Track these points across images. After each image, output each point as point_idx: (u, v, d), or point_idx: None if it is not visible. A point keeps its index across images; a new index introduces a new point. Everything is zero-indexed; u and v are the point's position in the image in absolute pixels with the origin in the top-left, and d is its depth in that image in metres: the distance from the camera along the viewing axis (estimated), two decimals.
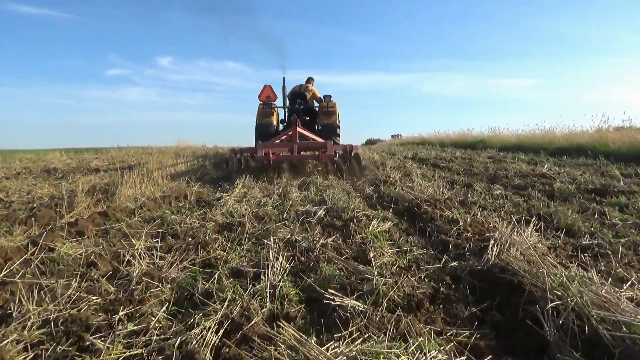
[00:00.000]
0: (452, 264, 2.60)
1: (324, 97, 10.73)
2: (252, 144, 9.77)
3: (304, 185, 6.40)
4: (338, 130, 10.46)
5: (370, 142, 48.54)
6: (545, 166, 8.21)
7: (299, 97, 10.89)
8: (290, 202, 4.79)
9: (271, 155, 7.79)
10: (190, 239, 3.37)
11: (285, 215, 4.21)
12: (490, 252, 2.60)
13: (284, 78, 10.85)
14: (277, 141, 8.75)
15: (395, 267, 2.57)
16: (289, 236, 3.29)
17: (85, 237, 3.42)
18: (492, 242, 2.77)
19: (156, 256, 2.78)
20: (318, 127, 10.79)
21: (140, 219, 4.13)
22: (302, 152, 8.65)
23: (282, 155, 8.15)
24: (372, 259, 2.59)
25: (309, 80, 11.52)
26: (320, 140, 8.95)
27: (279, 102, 10.61)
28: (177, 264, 2.64)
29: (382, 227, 3.53)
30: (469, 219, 3.62)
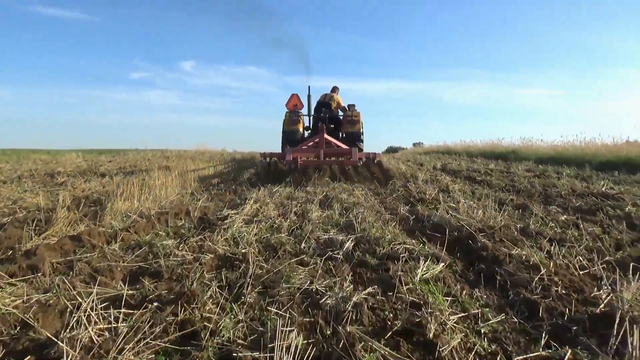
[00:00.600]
0: (565, 356, 1.66)
1: (348, 106, 11.02)
2: (276, 149, 10.12)
3: (327, 201, 5.52)
4: (361, 138, 10.79)
5: (391, 150, 47.34)
6: (602, 184, 7.14)
7: (325, 106, 11.23)
8: (310, 226, 3.91)
9: (299, 160, 8.24)
10: (174, 282, 2.51)
11: (303, 245, 3.32)
12: (634, 339, 1.65)
13: (309, 87, 11.35)
14: (305, 147, 9.30)
15: (472, 357, 1.65)
16: (307, 284, 2.40)
17: (39, 274, 2.59)
18: (622, 315, 1.83)
19: (115, 318, 1.92)
20: (342, 135, 11.07)
21: (120, 247, 3.29)
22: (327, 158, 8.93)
23: (309, 160, 8.57)
24: (435, 342, 1.68)
25: (334, 89, 11.80)
26: (345, 147, 9.45)
27: (304, 110, 11.02)
28: (142, 334, 1.77)
29: (433, 270, 2.61)
30: (551, 264, 2.68)
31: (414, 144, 49.08)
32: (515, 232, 3.79)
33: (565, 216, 4.49)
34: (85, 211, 4.71)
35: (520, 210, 4.88)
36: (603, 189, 6.49)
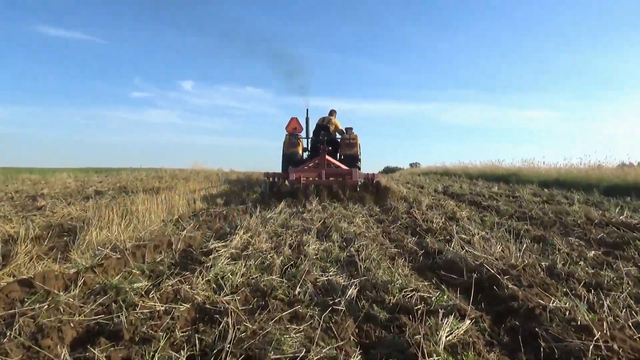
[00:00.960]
0: None
1: (345, 129, 11.58)
2: (273, 168, 10.84)
3: (325, 230, 5.02)
4: (359, 160, 11.21)
5: (388, 170, 46.88)
6: (620, 212, 6.67)
7: (323, 129, 11.62)
8: (306, 264, 3.41)
9: (302, 179, 8.68)
10: (135, 347, 1.99)
11: (297, 290, 2.81)
12: None
13: (307, 110, 11.89)
14: (307, 167, 9.68)
15: None
16: (302, 353, 1.89)
17: None
18: None
19: None
20: (340, 157, 11.48)
21: (81, 292, 2.77)
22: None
23: (312, 180, 8.89)
24: None
25: (332, 112, 12.19)
26: (345, 167, 9.90)
27: (302, 132, 11.67)
28: None
29: (458, 330, 2.11)
30: (604, 325, 2.18)
31: (411, 165, 48.73)
32: (542, 273, 3.31)
33: (592, 252, 4.01)
34: (54, 242, 4.20)
35: (541, 244, 4.39)
36: (622, 218, 6.03)
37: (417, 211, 6.79)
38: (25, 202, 8.36)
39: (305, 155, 11.83)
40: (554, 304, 2.44)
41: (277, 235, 4.80)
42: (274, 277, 3.09)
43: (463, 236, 4.57)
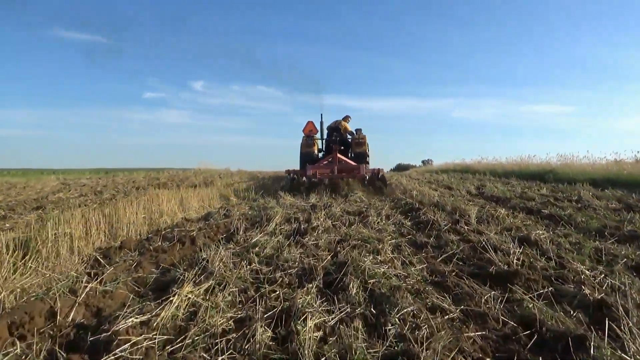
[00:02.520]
0: None
1: (355, 130, 12.91)
2: (288, 166, 12.07)
3: (338, 272, 3.03)
4: (367, 157, 12.30)
5: (401, 168, 44.61)
6: None
7: (335, 131, 13.07)
8: None
9: (317, 174, 10.39)
10: None
11: None
12: None
13: (321, 115, 12.99)
14: (321, 164, 11.23)
15: None
16: None
17: None
18: None
19: None
20: (351, 155, 12.69)
21: None
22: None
23: (326, 174, 10.54)
24: None
25: (346, 118, 13.48)
26: (354, 163, 11.38)
27: (317, 134, 12.89)
28: None
29: None
30: None
31: (423, 162, 46.48)
32: None
33: None
34: None
35: None
36: None
37: (466, 227, 4.79)
38: None
39: (321, 155, 13.03)
40: None
41: (254, 287, 2.83)
42: None
43: (585, 292, 2.54)
